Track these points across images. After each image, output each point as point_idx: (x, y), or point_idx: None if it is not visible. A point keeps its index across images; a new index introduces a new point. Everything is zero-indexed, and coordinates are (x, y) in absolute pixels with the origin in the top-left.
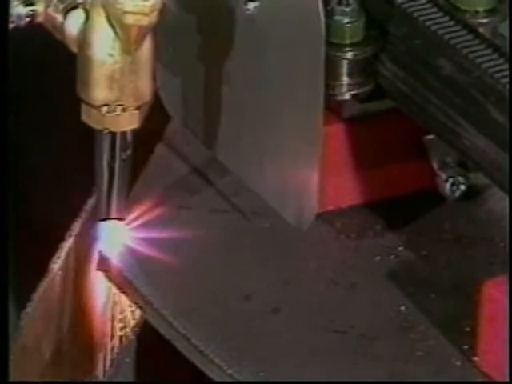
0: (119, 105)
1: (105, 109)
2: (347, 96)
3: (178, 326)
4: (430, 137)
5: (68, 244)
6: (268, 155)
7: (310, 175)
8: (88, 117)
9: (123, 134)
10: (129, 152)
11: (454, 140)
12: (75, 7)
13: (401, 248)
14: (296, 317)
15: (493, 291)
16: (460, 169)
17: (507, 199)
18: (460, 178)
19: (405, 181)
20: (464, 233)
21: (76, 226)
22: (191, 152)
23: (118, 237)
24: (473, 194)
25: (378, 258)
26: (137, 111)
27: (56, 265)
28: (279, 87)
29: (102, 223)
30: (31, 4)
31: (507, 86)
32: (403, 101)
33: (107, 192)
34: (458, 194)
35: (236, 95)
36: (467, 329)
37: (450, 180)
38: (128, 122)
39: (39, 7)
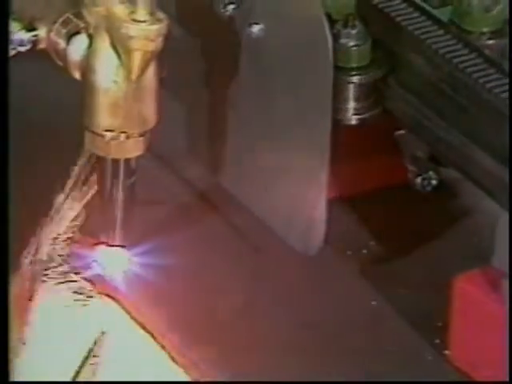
0: (123, 132)
1: (109, 136)
2: (354, 121)
3: (140, 308)
4: (401, 132)
5: (38, 238)
6: (274, 181)
7: (318, 201)
8: (92, 144)
9: (127, 160)
10: (133, 179)
11: (425, 134)
12: (78, 32)
13: (372, 243)
14: (267, 312)
15: (465, 285)
16: (431, 163)
17: (478, 193)
18: (431, 173)
19: (376, 175)
20: (436, 227)
21: (46, 221)
22: (161, 146)
23: (118, 261)
24: (444, 188)
25: (349, 252)
26: (141, 138)
27: (26, 259)
28: (285, 112)
29: (104, 248)
30: (33, 29)
31: (479, 81)
32: None
33: (111, 219)
34: (429, 188)
35: (241, 120)
36: (439, 323)
37: (422, 175)
38: (132, 148)
39: (41, 32)
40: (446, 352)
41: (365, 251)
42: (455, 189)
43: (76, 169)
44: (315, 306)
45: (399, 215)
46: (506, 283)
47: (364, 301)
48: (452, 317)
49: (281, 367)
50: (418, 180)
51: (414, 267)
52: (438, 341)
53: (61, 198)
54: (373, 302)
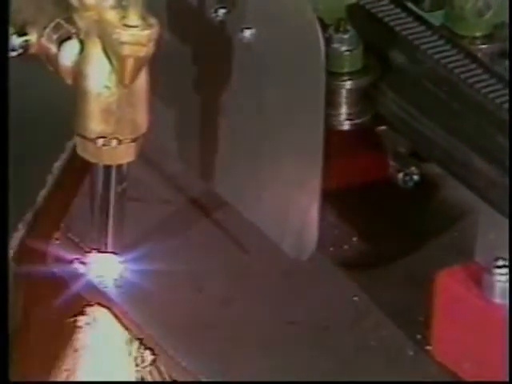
0: (115, 137)
1: (101, 142)
2: (346, 126)
3: (131, 315)
4: (383, 128)
5: (20, 234)
6: (266, 186)
7: (311, 206)
8: (83, 150)
9: (119, 166)
10: (124, 185)
11: (406, 130)
12: (69, 37)
13: (354, 239)
14: (248, 308)
15: (447, 280)
16: (413, 159)
17: (460, 189)
18: (413, 169)
19: (358, 171)
20: (418, 223)
21: (28, 217)
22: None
23: (111, 268)
24: (426, 184)
25: (331, 248)
26: (133, 144)
27: (9, 255)
28: (278, 117)
29: (95, 255)
30: (24, 34)
31: (461, 76)
32: None
33: (102, 225)
34: (411, 184)
35: (233, 126)
36: (420, 318)
37: (404, 170)
38: (124, 154)
39: (32, 37)
40: (428, 347)
41: (346, 247)
42: (437, 184)
43: (57, 166)
44: (297, 302)
45: (381, 211)
46: (489, 279)
47: (346, 296)
48: (434, 312)
49: (260, 362)
50: (400, 176)
51: (396, 263)
52: (419, 336)
53: (43, 194)
54: (355, 298)
